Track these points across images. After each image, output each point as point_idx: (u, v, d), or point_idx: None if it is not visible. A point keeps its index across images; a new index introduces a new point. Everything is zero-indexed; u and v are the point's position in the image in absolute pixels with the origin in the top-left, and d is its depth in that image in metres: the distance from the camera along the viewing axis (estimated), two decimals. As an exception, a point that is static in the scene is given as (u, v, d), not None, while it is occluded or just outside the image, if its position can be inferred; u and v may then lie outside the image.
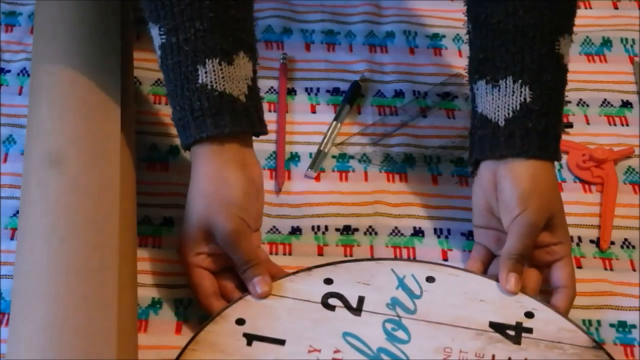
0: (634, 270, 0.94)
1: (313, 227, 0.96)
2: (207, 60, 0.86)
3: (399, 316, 0.87)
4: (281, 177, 0.99)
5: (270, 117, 1.05)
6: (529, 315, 0.87)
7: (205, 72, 0.86)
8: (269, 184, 0.99)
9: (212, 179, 0.86)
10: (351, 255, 0.93)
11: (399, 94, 1.08)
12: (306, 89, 1.08)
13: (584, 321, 0.89)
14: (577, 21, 1.15)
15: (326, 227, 0.96)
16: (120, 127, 0.91)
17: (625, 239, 0.96)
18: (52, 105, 0.92)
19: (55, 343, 0.75)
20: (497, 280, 0.89)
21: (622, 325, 0.89)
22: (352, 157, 1.02)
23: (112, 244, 0.83)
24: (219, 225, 0.85)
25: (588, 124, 1.06)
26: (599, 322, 0.89)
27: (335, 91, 1.08)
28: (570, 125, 1.05)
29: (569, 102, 1.07)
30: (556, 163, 1.00)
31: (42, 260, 0.81)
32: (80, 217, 0.84)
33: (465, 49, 1.12)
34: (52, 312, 0.77)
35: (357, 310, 0.87)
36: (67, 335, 0.76)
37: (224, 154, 0.87)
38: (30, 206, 0.86)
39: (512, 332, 0.86)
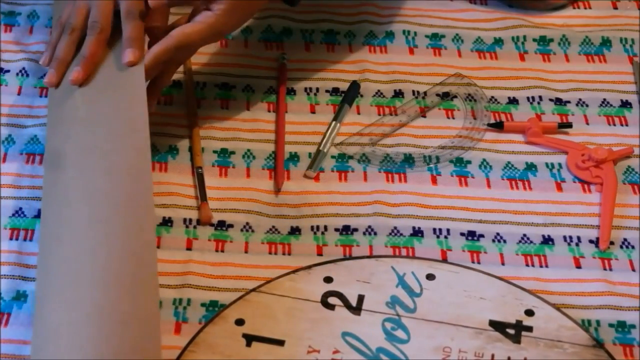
0: (633, 270, 0.93)
1: (312, 227, 0.96)
2: None
3: (398, 315, 0.87)
4: (280, 177, 0.99)
5: (269, 117, 1.05)
6: (529, 313, 0.87)
7: None
8: (268, 184, 0.99)
9: None
10: (350, 256, 0.93)
11: (398, 94, 1.08)
12: (305, 89, 1.08)
13: (583, 321, 0.88)
14: (576, 21, 1.16)
15: (325, 227, 0.96)
16: (147, 119, 0.92)
17: (625, 239, 0.96)
18: (85, 96, 0.93)
19: (102, 331, 0.76)
20: (498, 278, 0.89)
21: (621, 325, 0.89)
22: (351, 157, 1.02)
23: (149, 230, 0.84)
24: None
25: (587, 124, 1.06)
26: (598, 322, 0.89)
27: (335, 91, 1.08)
28: (570, 125, 1.05)
29: (569, 102, 1.08)
30: (557, 162, 1.01)
31: (82, 246, 0.82)
32: (117, 202, 0.84)
33: (465, 48, 1.13)
34: (99, 300, 0.78)
35: (356, 309, 0.87)
36: (115, 323, 0.77)
37: None
38: (62, 193, 0.86)
39: (511, 331, 0.86)
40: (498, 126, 1.04)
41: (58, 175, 0.89)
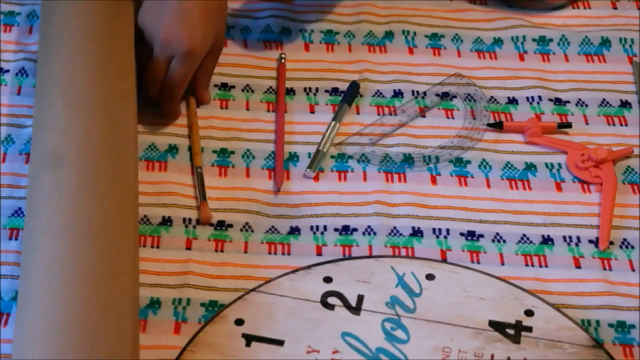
0: (632, 270, 0.93)
1: (312, 227, 0.96)
2: None
3: (398, 315, 0.87)
4: (280, 177, 0.98)
5: (269, 117, 1.05)
6: (529, 313, 0.87)
7: None
8: (267, 184, 0.99)
9: None
10: (350, 256, 0.93)
11: (397, 93, 1.08)
12: (305, 89, 1.08)
13: (583, 321, 0.89)
14: (575, 21, 1.16)
15: (325, 227, 0.96)
16: (136, 125, 0.92)
17: (624, 239, 0.96)
18: (67, 102, 0.92)
19: (72, 343, 0.76)
20: (497, 278, 0.89)
21: (621, 325, 0.89)
22: (350, 157, 1.01)
23: (128, 243, 0.83)
24: None
25: (587, 123, 1.06)
26: (597, 322, 0.89)
27: (334, 91, 1.08)
28: (569, 125, 1.05)
29: (568, 101, 1.08)
30: (556, 162, 1.01)
31: (58, 258, 0.81)
32: (97, 214, 0.84)
33: (465, 48, 1.13)
34: (69, 312, 0.78)
35: (356, 310, 0.87)
36: (84, 336, 0.76)
37: None
38: (41, 204, 0.85)
39: (511, 331, 0.86)
40: (497, 126, 1.04)
41: (40, 177, 0.88)
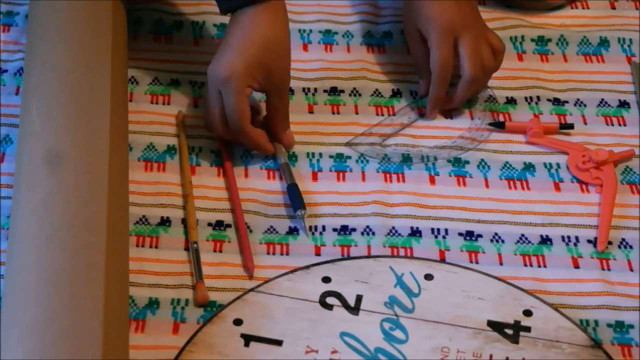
0: (631, 270, 0.93)
1: (310, 227, 0.96)
2: None
3: (396, 315, 0.87)
4: (250, 261, 0.92)
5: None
6: (528, 313, 0.87)
7: None
8: (266, 184, 0.99)
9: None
10: (349, 256, 0.93)
11: (396, 93, 1.08)
12: (303, 89, 1.08)
13: (581, 321, 0.89)
14: (574, 21, 1.16)
15: (323, 227, 0.96)
16: (109, 126, 0.91)
17: (623, 239, 0.96)
18: (41, 106, 0.92)
19: (42, 344, 0.76)
20: (496, 278, 0.89)
21: (619, 325, 0.89)
22: (349, 157, 1.01)
23: (99, 243, 0.83)
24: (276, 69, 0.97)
25: (585, 124, 1.06)
26: (596, 322, 0.89)
27: (333, 91, 1.07)
28: (571, 126, 1.04)
29: (567, 102, 1.08)
30: (555, 162, 1.01)
31: (29, 261, 0.82)
32: (67, 216, 0.84)
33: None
34: (39, 313, 0.78)
35: (355, 310, 0.87)
36: (53, 336, 0.76)
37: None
38: (19, 207, 0.86)
39: (510, 331, 0.86)
40: (499, 126, 1.04)
41: (19, 185, 0.89)
